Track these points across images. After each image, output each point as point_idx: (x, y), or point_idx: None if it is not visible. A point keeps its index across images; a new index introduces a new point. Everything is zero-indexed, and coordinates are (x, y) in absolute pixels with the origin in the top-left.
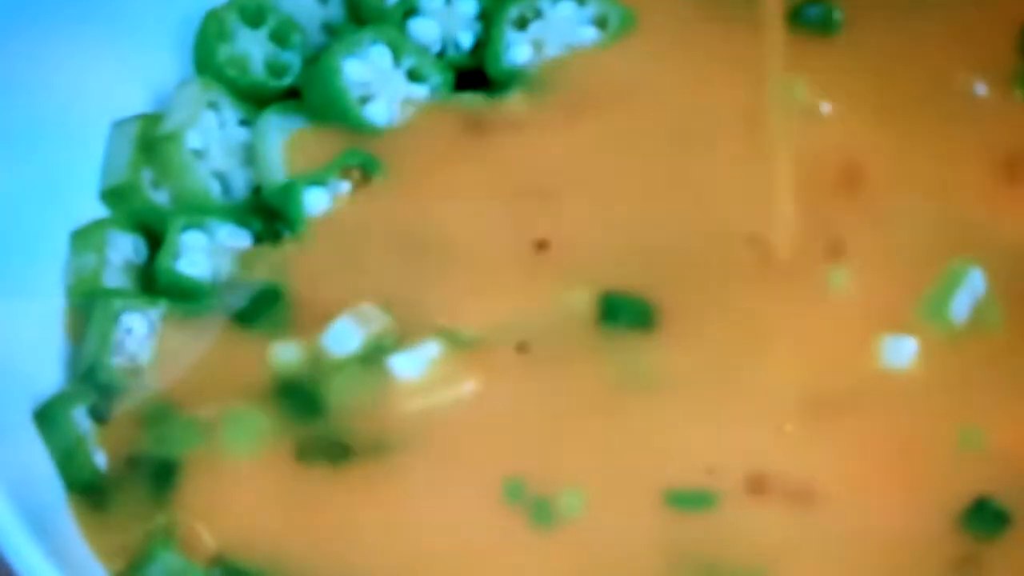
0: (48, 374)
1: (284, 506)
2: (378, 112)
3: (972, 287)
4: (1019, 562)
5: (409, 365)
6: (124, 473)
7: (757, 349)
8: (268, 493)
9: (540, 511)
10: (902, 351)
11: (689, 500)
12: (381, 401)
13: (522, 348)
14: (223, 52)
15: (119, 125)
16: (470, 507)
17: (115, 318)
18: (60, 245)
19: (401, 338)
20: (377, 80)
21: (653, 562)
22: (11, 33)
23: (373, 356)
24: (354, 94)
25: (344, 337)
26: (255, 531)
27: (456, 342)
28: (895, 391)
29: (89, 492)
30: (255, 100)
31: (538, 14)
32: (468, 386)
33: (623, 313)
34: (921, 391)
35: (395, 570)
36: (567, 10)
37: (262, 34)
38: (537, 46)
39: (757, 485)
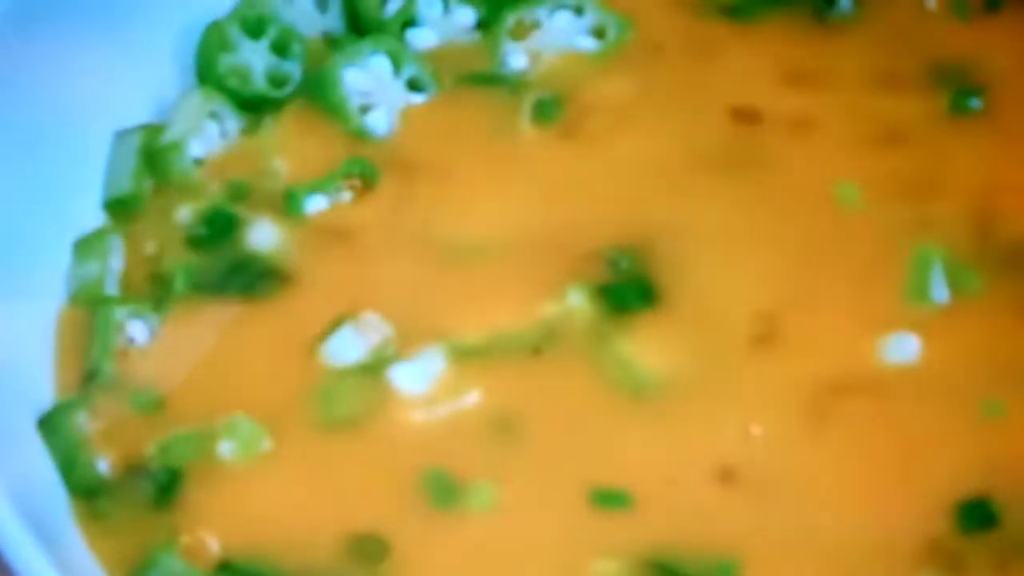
0: (50, 381)
1: (287, 511)
2: (378, 121)
3: (938, 267)
4: (1004, 561)
5: (411, 375)
6: (127, 479)
7: (759, 339)
8: (271, 498)
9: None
10: (904, 348)
11: (619, 499)
12: (382, 411)
13: (536, 352)
14: (224, 62)
15: (121, 135)
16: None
17: (118, 326)
18: (62, 252)
19: (403, 347)
20: (377, 89)
21: (626, 560)
22: (13, 42)
23: (375, 366)
24: (354, 103)
25: (346, 347)
26: (259, 536)
27: (459, 351)
28: (901, 385)
29: (92, 498)
30: (256, 110)
31: (536, 24)
32: (473, 396)
33: (626, 298)
34: (929, 380)
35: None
36: (565, 20)
37: (263, 45)
38: (535, 55)
39: (728, 478)
